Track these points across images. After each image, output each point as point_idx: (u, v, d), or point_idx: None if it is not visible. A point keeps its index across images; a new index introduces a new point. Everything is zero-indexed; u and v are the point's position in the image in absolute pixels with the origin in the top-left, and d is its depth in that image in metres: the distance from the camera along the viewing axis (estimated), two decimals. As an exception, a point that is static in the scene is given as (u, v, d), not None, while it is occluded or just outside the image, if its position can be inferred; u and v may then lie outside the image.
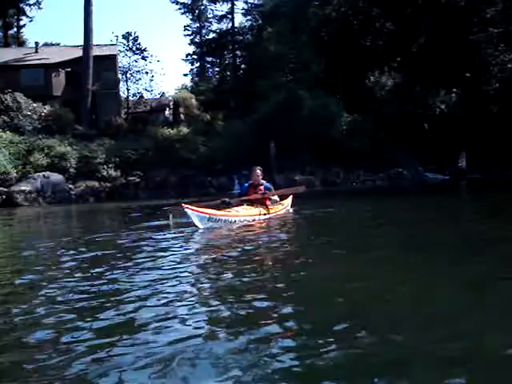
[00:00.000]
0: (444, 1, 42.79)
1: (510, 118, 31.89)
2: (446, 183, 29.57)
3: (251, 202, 10.81)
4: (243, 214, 10.32)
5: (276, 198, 11.29)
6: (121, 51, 48.25)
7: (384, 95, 40.02)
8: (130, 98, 50.38)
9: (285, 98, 34.86)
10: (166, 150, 35.68)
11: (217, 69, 62.46)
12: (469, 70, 36.56)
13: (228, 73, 57.94)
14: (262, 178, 11.21)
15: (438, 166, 33.69)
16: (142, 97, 53.40)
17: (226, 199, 11.05)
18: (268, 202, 11.05)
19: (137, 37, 48.43)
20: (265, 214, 10.81)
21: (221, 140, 36.18)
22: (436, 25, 43.04)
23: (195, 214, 9.43)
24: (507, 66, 33.63)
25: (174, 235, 9.12)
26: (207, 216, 9.58)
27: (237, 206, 10.65)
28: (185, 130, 37.70)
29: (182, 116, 48.58)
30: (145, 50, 48.96)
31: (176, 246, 7.76)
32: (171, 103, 53.88)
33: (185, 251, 7.23)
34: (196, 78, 62.06)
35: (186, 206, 9.43)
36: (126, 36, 47.69)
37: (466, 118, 34.25)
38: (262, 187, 11.05)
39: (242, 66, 53.40)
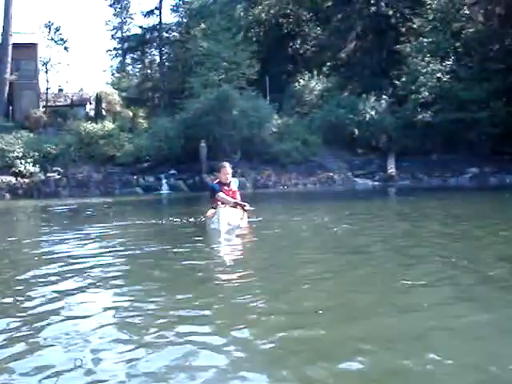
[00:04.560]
0: (373, 9, 43.26)
1: (439, 126, 32.30)
2: (375, 189, 29.59)
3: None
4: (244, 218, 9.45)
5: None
6: (41, 41, 45.78)
7: (313, 99, 40.00)
8: (50, 90, 47.91)
9: (216, 96, 33.89)
10: (89, 146, 34.01)
11: (139, 65, 60.92)
12: (397, 78, 36.88)
13: (150, 70, 56.55)
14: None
15: (367, 172, 33.72)
16: (61, 90, 51.18)
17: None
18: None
19: (59, 27, 46.08)
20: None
21: (147, 137, 34.78)
22: (365, 32, 43.52)
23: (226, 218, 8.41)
24: (436, 75, 34.07)
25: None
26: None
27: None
28: (110, 125, 35.98)
29: (103, 111, 46.89)
30: (67, 41, 46.67)
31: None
32: (92, 98, 51.96)
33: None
34: (117, 74, 60.24)
35: (222, 206, 8.43)
36: (48, 25, 45.21)
37: (395, 125, 34.50)
38: (233, 185, 9.82)
39: (168, 63, 51.99)
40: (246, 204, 9.57)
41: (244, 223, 9.35)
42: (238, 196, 9.75)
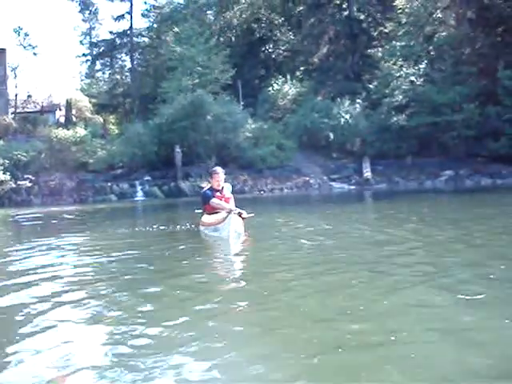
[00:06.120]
0: (345, 14, 43.35)
1: (413, 130, 32.44)
2: (352, 193, 29.48)
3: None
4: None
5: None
6: (10, 47, 44.97)
7: (287, 104, 39.92)
8: (18, 96, 47.00)
9: (190, 102, 33.47)
10: (61, 153, 33.33)
11: (109, 71, 60.08)
12: (370, 82, 37.06)
13: (121, 75, 55.73)
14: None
15: (343, 176, 33.65)
16: (30, 96, 50.29)
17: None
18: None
19: (28, 32, 45.31)
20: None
21: (120, 143, 34.24)
22: (337, 37, 43.59)
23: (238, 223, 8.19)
24: (409, 78, 34.24)
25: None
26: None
27: (215, 213, 8.99)
28: (82, 131, 35.32)
29: (73, 118, 46.23)
30: (36, 46, 45.90)
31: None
32: (62, 104, 51.20)
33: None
34: (87, 80, 59.39)
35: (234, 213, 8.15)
36: (17, 30, 44.35)
37: (369, 128, 34.50)
38: (226, 191, 9.45)
39: (140, 68, 51.37)
40: (242, 211, 9.14)
41: (243, 230, 9.00)
42: (232, 202, 9.39)
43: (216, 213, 8.93)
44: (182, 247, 8.24)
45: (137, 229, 11.36)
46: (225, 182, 9.66)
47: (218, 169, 9.62)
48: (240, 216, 8.85)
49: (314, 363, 3.05)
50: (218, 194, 9.29)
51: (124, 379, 2.90)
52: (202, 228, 9.40)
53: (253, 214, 9.61)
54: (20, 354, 3.35)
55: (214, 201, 9.06)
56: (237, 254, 7.41)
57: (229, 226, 8.07)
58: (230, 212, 8.16)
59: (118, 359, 3.21)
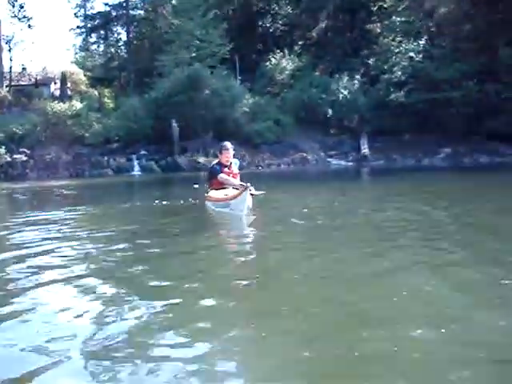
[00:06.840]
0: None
1: (412, 106, 32.23)
2: (349, 169, 29.41)
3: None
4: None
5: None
6: (5, 18, 44.21)
7: (285, 79, 39.56)
8: (13, 69, 46.41)
9: (187, 75, 33.13)
10: (57, 126, 33.01)
11: (104, 44, 59.35)
12: (369, 58, 36.77)
13: (116, 48, 55.05)
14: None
15: (340, 152, 33.56)
16: (24, 69, 49.64)
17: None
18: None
19: (23, 3, 44.50)
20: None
21: (116, 117, 33.92)
22: (336, 12, 43.01)
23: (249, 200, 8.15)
24: (408, 55, 33.96)
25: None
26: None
27: (223, 189, 8.98)
28: (78, 105, 34.97)
29: (68, 91, 45.72)
30: (31, 18, 45.18)
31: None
32: (57, 77, 50.60)
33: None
34: (82, 53, 58.70)
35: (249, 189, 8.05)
36: (12, 2, 43.58)
37: (368, 105, 34.30)
38: (234, 167, 9.36)
39: (136, 41, 50.69)
40: (251, 188, 8.92)
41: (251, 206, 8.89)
42: (238, 178, 9.33)
43: (223, 188, 8.86)
44: (187, 222, 8.13)
45: (138, 203, 11.25)
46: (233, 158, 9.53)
47: (228, 144, 9.56)
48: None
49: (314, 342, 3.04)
50: (225, 169, 9.20)
51: (119, 354, 2.86)
52: (208, 203, 9.30)
53: (264, 192, 9.52)
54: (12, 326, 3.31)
55: (223, 176, 9.00)
56: (247, 230, 7.31)
57: (244, 203, 7.96)
58: (245, 189, 8.00)
59: (112, 334, 3.15)
